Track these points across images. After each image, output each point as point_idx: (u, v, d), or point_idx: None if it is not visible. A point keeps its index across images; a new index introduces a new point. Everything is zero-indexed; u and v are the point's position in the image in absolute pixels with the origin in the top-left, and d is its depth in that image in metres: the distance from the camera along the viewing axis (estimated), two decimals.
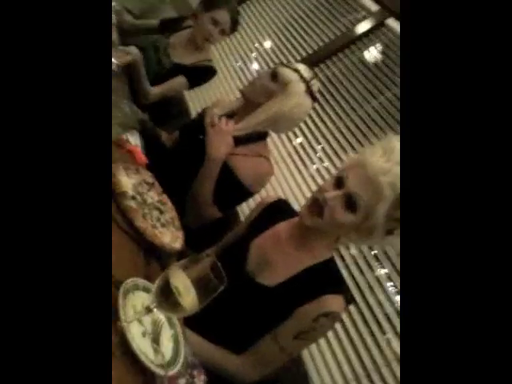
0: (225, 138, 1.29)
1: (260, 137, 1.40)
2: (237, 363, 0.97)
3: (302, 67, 1.34)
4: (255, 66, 2.78)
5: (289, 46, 2.70)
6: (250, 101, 1.35)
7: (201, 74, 1.97)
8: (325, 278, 0.96)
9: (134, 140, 1.32)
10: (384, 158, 0.84)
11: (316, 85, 1.34)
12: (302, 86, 1.29)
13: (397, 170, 0.81)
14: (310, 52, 2.56)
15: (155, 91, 1.81)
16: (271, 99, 1.30)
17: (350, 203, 0.86)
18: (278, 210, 1.12)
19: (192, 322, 0.91)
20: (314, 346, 1.58)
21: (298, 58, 2.57)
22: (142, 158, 1.17)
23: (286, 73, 1.30)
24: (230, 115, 1.39)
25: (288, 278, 0.96)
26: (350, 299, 0.99)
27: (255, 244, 1.05)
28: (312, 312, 0.92)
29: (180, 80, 1.89)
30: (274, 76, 1.32)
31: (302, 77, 1.29)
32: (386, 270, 1.68)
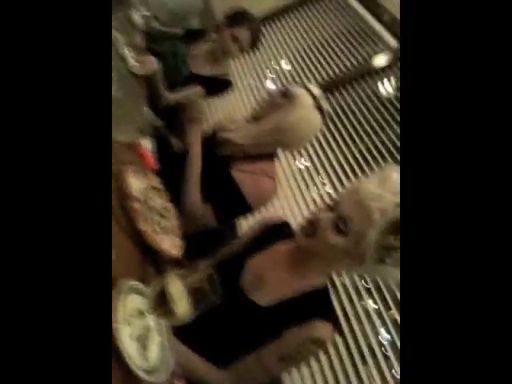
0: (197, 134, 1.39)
1: (268, 156, 1.42)
2: (217, 377, 0.97)
3: (311, 86, 1.38)
4: (271, 86, 2.83)
5: (306, 70, 2.76)
6: (258, 117, 1.38)
7: (217, 86, 2.00)
8: (316, 304, 0.97)
9: (146, 144, 1.34)
10: (377, 184, 0.87)
11: (324, 103, 1.35)
12: (309, 100, 1.31)
13: (388, 197, 0.84)
14: (326, 78, 2.62)
15: (171, 98, 1.83)
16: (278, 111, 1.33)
17: (341, 226, 0.89)
18: (279, 231, 1.13)
19: (178, 331, 0.91)
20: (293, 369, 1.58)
21: (314, 82, 2.62)
22: (153, 162, 1.19)
23: (295, 88, 1.35)
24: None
25: (280, 300, 0.97)
26: (337, 328, 1.00)
27: (252, 262, 1.06)
28: (299, 336, 0.93)
29: (196, 90, 1.92)
30: (283, 92, 1.36)
31: (310, 92, 1.33)
32: (374, 305, 1.69)
